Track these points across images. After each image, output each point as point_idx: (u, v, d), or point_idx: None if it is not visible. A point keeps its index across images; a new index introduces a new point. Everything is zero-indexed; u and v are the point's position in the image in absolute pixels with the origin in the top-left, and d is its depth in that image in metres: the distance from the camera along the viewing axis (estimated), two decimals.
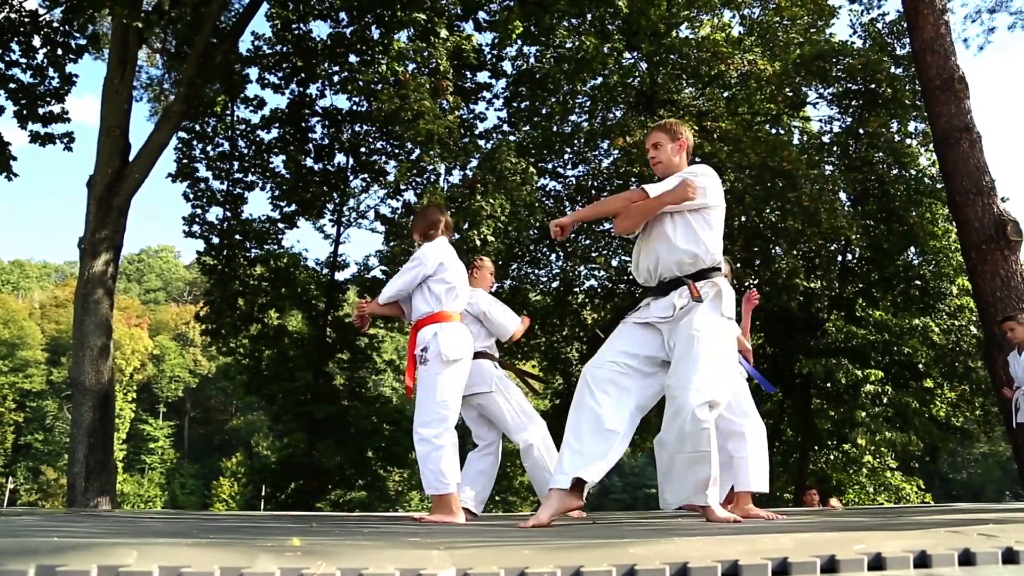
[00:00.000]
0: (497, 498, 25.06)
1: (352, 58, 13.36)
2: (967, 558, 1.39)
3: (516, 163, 11.05)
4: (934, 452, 15.92)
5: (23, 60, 11.05)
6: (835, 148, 15.20)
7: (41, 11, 11.12)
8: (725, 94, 15.17)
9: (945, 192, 9.90)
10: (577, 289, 17.28)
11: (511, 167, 10.89)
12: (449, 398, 3.82)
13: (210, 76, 11.76)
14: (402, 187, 13.54)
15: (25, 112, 11.09)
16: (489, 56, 13.70)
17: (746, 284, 13.17)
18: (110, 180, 10.13)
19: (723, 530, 2.38)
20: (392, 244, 14.15)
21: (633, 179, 14.48)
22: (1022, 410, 6.30)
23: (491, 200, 10.41)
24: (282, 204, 15.12)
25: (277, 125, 14.63)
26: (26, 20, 10.89)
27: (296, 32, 13.50)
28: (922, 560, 1.35)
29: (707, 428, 2.83)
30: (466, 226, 10.38)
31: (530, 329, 5.61)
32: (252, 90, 14.39)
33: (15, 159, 10.95)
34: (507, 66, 14.36)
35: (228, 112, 14.16)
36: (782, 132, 14.96)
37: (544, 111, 14.59)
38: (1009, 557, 1.42)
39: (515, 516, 5.49)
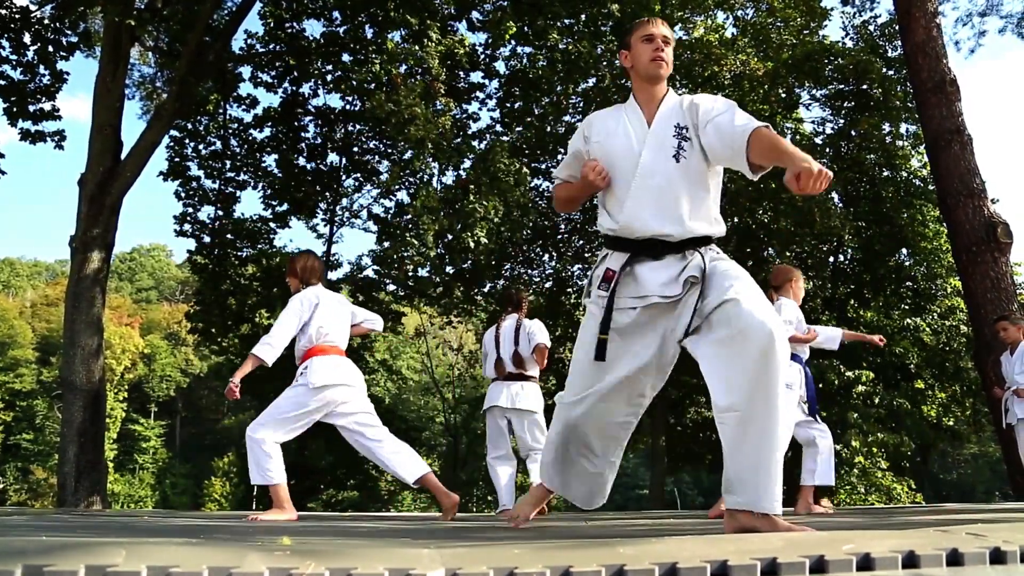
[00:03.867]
0: (489, 498, 25.09)
1: (345, 57, 13.34)
2: (955, 558, 1.39)
3: (509, 164, 11.05)
4: (925, 452, 16.01)
5: (13, 57, 10.99)
6: (827, 149, 15.26)
7: (32, 7, 11.07)
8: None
9: (936, 194, 9.95)
10: (570, 289, 17.31)
11: (504, 168, 10.89)
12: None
13: (203, 74, 11.73)
14: (395, 187, 13.54)
15: (15, 109, 11.03)
16: (483, 56, 13.70)
17: None
18: (102, 178, 10.09)
19: (713, 530, 2.39)
20: (385, 244, 14.13)
21: None
22: (1011, 411, 6.34)
23: (484, 202, 10.42)
24: (274, 203, 15.07)
25: (270, 124, 14.59)
26: (16, 17, 10.82)
27: (289, 31, 13.47)
28: (910, 560, 1.36)
29: None
30: (459, 227, 10.39)
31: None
32: (245, 89, 14.31)
33: (2, 156, 10.90)
34: (500, 66, 14.39)
35: (220, 111, 14.11)
36: None
37: (537, 111, 14.62)
38: (996, 557, 1.43)
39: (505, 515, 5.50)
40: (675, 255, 2.43)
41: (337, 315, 4.51)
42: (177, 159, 13.93)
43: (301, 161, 15.16)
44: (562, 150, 15.80)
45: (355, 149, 15.52)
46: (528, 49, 14.06)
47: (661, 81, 2.56)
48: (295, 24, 13.40)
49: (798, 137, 15.75)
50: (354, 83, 12.99)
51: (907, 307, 14.47)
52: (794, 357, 5.01)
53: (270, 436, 4.21)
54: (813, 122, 16.04)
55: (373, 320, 4.79)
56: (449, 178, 12.32)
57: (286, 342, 4.34)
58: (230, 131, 14.39)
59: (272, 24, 13.42)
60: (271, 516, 4.07)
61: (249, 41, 13.72)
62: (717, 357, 2.26)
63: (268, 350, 4.27)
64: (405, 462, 4.37)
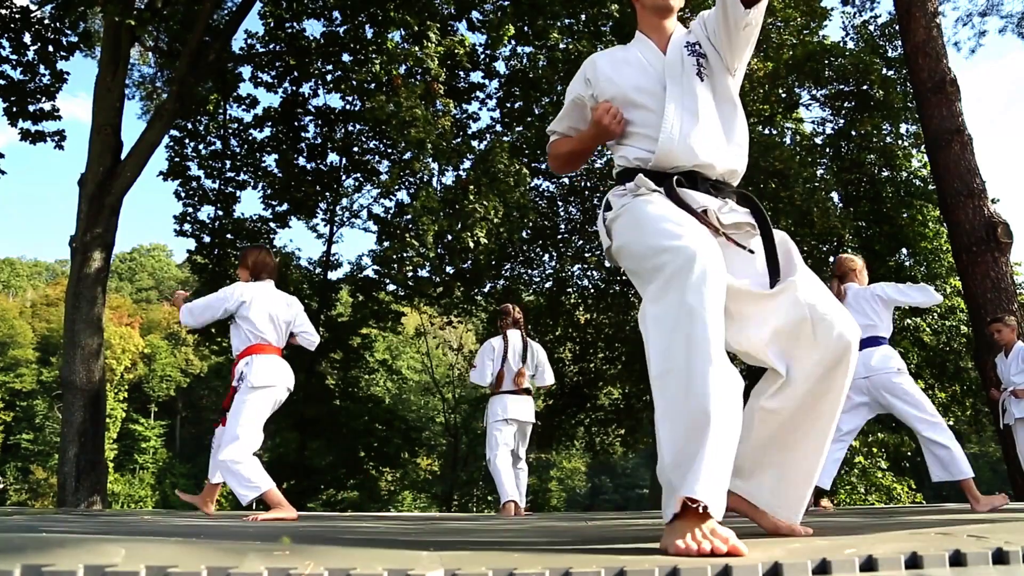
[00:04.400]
0: (489, 498, 25.09)
1: (345, 57, 13.34)
2: (957, 559, 1.39)
3: (509, 164, 11.04)
4: None
5: (13, 57, 11.00)
6: (827, 149, 15.25)
7: (32, 7, 11.08)
8: None
9: (936, 194, 9.95)
10: (570, 289, 17.31)
11: (504, 168, 10.89)
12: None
13: (202, 74, 11.73)
14: (395, 187, 13.55)
15: (15, 109, 11.04)
16: (482, 56, 13.70)
17: None
18: (102, 178, 10.08)
19: None
20: (385, 244, 14.14)
21: None
22: (1008, 411, 6.37)
23: (485, 202, 10.42)
24: (274, 203, 15.09)
25: (270, 124, 14.59)
26: (16, 16, 10.84)
27: (289, 30, 13.47)
28: (913, 562, 1.35)
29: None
30: (459, 227, 10.39)
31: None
32: (245, 89, 14.34)
33: (3, 156, 10.91)
34: (500, 66, 14.39)
35: (220, 111, 14.12)
36: (775, 133, 15.01)
37: (537, 111, 14.62)
38: (999, 558, 1.43)
39: (507, 516, 5.49)
40: (711, 195, 2.12)
41: (276, 316, 4.61)
42: (177, 159, 13.93)
43: (301, 161, 15.18)
44: None
45: (355, 149, 15.53)
46: (528, 49, 14.06)
47: (672, 13, 2.28)
48: (295, 24, 13.40)
49: (798, 137, 15.76)
50: (354, 83, 12.99)
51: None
52: (880, 340, 4.91)
53: (238, 452, 4.24)
54: (813, 122, 16.04)
55: (309, 339, 4.81)
56: (449, 178, 12.33)
57: (203, 317, 4.70)
58: (230, 131, 14.39)
59: (272, 24, 13.42)
60: (272, 515, 4.07)
61: (249, 41, 13.74)
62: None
63: (187, 314, 4.70)
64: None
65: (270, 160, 14.92)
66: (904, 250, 14.71)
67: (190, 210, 14.24)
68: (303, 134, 15.03)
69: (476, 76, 14.09)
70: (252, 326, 4.50)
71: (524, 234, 14.23)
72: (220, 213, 14.56)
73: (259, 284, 4.66)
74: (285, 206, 15.16)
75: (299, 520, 4.11)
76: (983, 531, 1.69)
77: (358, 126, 15.12)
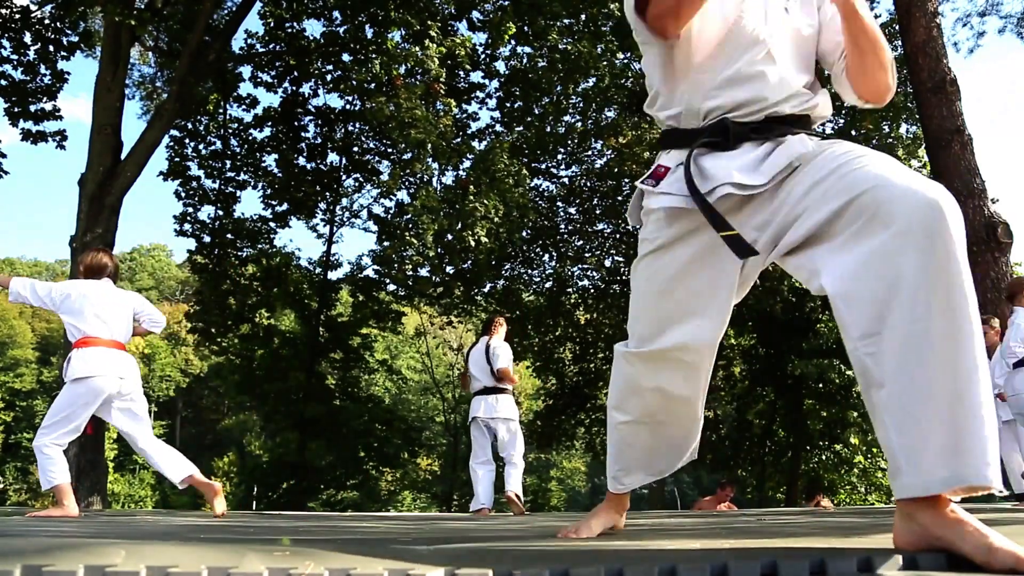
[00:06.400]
0: None
1: (345, 57, 13.35)
2: (957, 560, 1.39)
3: (509, 164, 11.05)
4: None
5: (14, 57, 11.01)
6: None
7: (32, 7, 11.08)
8: None
9: None
10: (570, 290, 17.31)
11: (504, 168, 10.90)
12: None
13: (203, 74, 11.73)
14: (395, 187, 13.56)
15: (17, 110, 11.05)
16: (483, 56, 13.71)
17: None
18: (102, 178, 10.09)
19: (712, 530, 2.38)
20: (385, 244, 14.16)
21: (626, 179, 14.51)
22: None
23: (484, 201, 10.43)
24: (274, 203, 15.10)
25: (270, 124, 14.60)
26: (17, 17, 10.84)
27: (289, 30, 13.48)
28: (912, 562, 1.36)
29: None
30: (459, 227, 10.40)
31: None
32: (245, 88, 14.35)
33: (5, 156, 10.92)
34: (500, 66, 14.40)
35: (220, 110, 14.12)
36: None
37: (537, 111, 14.62)
38: None
39: (504, 516, 5.51)
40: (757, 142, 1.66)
41: (108, 309, 4.64)
42: (177, 159, 13.93)
43: (301, 161, 15.19)
44: (562, 150, 15.79)
45: (355, 149, 15.54)
46: (528, 49, 14.06)
47: None
48: (295, 24, 13.40)
49: None
50: (354, 83, 13.00)
51: None
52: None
53: (50, 440, 4.39)
54: None
55: (154, 321, 4.88)
56: (449, 178, 12.33)
57: (26, 294, 4.58)
58: (230, 131, 14.39)
59: (272, 24, 13.43)
60: (50, 513, 4.27)
61: (249, 41, 13.74)
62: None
63: (19, 284, 4.61)
64: (171, 464, 4.72)
65: (270, 160, 14.94)
66: None
67: (190, 210, 14.26)
68: (303, 134, 15.04)
69: (476, 76, 14.11)
70: (77, 323, 4.57)
71: (524, 234, 14.24)
72: (220, 213, 14.58)
73: (89, 282, 4.73)
74: (285, 206, 15.17)
75: (296, 520, 4.10)
76: None
77: (358, 126, 15.12)
